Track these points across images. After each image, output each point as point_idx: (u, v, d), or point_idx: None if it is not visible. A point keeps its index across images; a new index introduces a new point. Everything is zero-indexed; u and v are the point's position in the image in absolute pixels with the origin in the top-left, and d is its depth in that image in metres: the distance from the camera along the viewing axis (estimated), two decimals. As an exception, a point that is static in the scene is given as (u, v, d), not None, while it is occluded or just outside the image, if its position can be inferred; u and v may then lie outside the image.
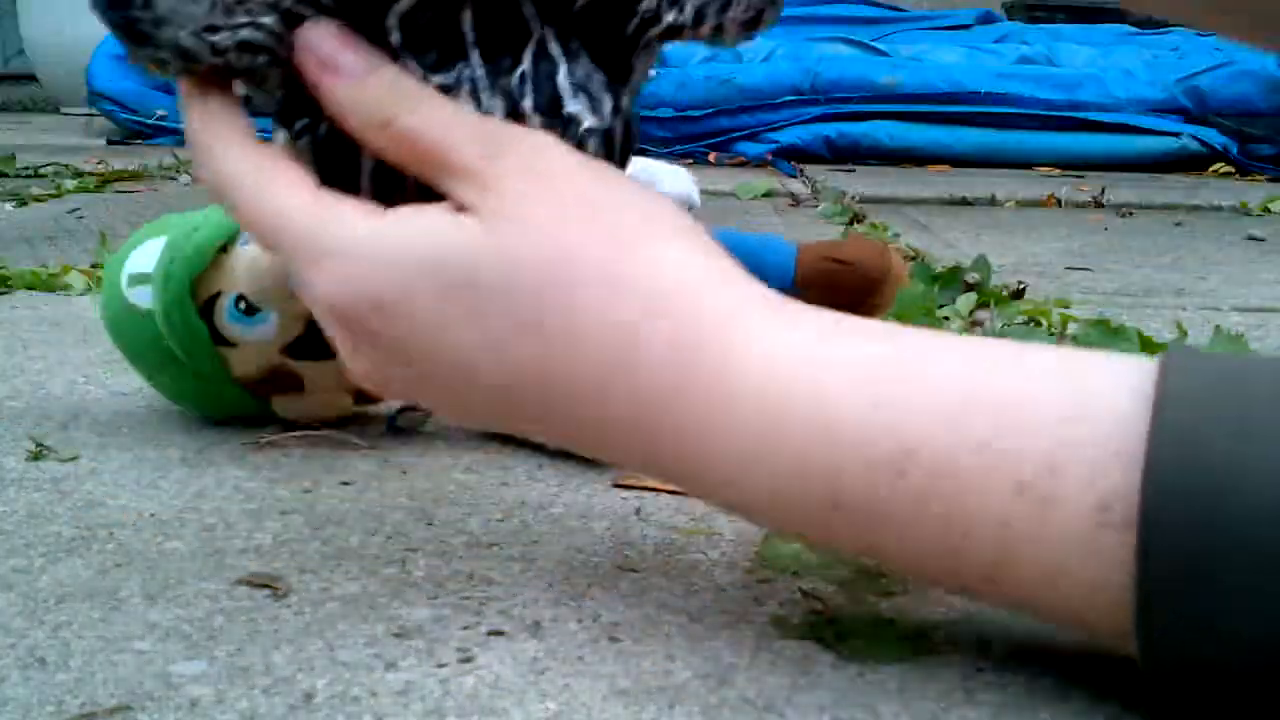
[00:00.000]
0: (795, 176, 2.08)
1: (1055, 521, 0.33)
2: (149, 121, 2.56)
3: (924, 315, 0.77)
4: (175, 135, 2.52)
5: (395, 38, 0.43)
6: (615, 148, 0.45)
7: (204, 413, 0.65)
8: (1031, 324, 0.87)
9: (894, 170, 2.25)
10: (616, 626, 0.42)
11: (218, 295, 0.60)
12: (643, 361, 0.37)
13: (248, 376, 0.62)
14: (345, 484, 0.56)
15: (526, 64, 0.44)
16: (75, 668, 0.38)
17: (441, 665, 0.39)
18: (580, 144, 0.44)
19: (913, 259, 1.20)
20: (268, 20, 0.42)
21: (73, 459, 0.58)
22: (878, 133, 2.33)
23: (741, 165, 2.25)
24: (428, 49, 0.43)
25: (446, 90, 0.43)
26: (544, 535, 0.50)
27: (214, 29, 0.42)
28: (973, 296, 0.92)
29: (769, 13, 0.46)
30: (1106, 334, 0.73)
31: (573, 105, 0.44)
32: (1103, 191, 1.83)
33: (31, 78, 3.77)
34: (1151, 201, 1.81)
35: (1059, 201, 1.82)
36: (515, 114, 0.43)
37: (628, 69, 0.46)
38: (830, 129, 2.33)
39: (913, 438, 0.35)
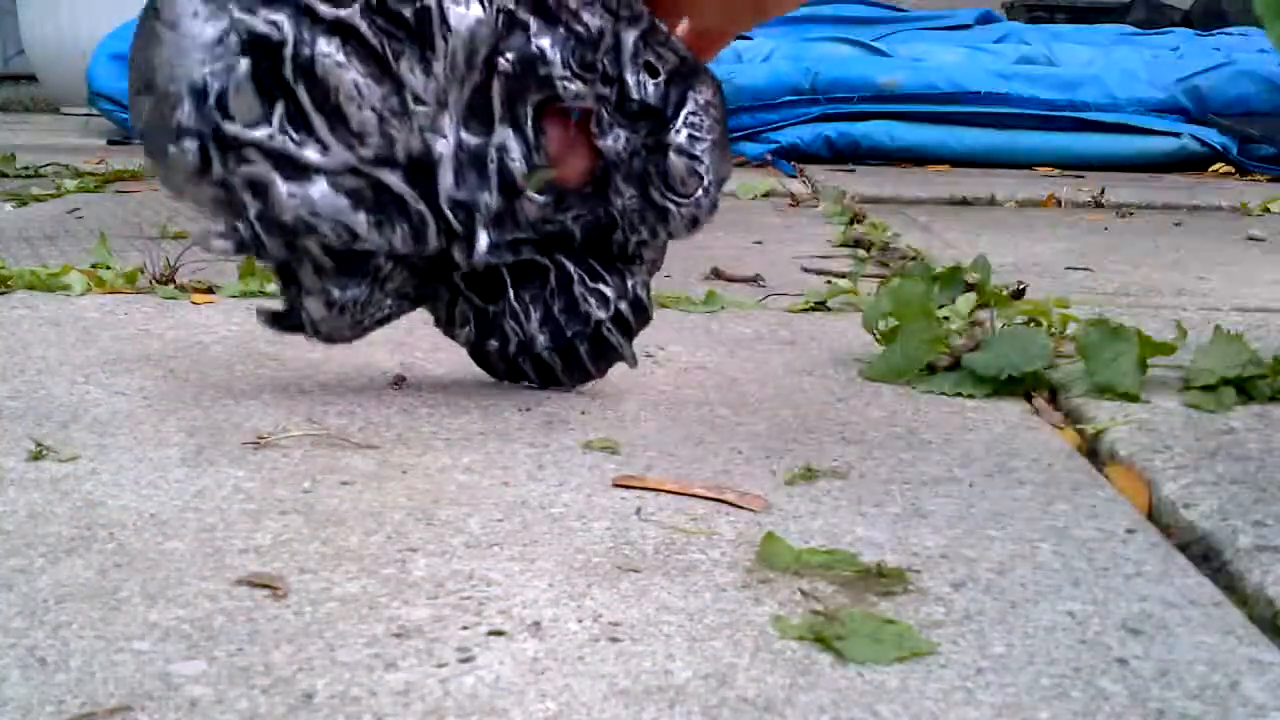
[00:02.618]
0: (795, 176, 2.08)
1: None
2: (149, 121, 2.56)
3: (923, 315, 0.77)
4: (175, 135, 2.52)
5: (460, 284, 0.67)
6: (628, 321, 0.67)
7: None
8: (1031, 324, 0.87)
9: (894, 170, 2.25)
10: (616, 626, 0.42)
11: None
12: None
13: None
14: (345, 484, 0.56)
15: (553, 281, 0.67)
16: (75, 668, 0.38)
17: (441, 665, 0.39)
18: (597, 330, 0.67)
19: (912, 259, 1.20)
20: (389, 301, 0.67)
21: (73, 459, 0.58)
22: (878, 133, 2.33)
23: (741, 165, 2.25)
24: (482, 289, 0.67)
25: (499, 314, 0.67)
26: (544, 535, 0.50)
27: (360, 323, 0.66)
28: (973, 296, 0.92)
29: (704, 218, 0.66)
30: (1106, 334, 0.73)
31: (585, 306, 0.67)
32: (1103, 191, 1.83)
33: (31, 78, 3.77)
34: (1151, 201, 1.81)
35: (1059, 201, 1.81)
36: (550, 317, 0.67)
37: (634, 259, 0.67)
38: (830, 129, 2.33)
39: None
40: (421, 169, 0.62)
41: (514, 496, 0.55)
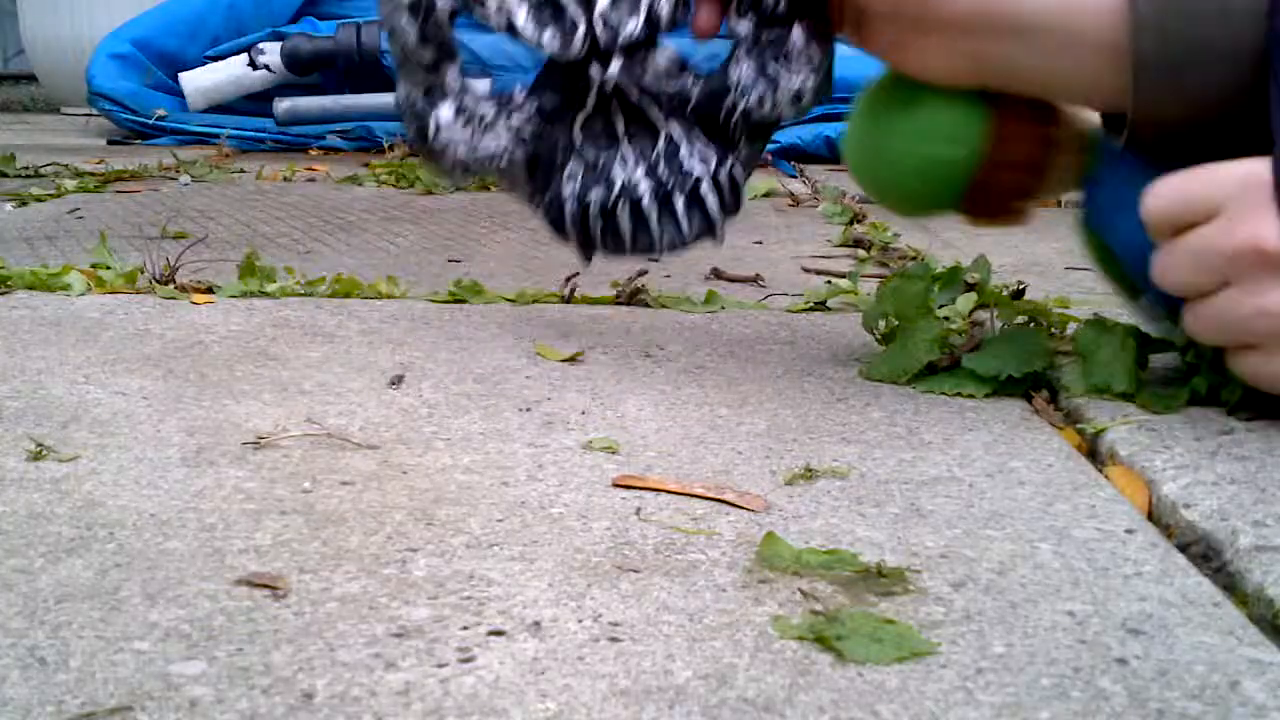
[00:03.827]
0: (795, 176, 2.08)
1: None
2: (149, 121, 2.56)
3: (923, 315, 0.77)
4: (175, 135, 2.52)
5: (578, 138, 0.77)
6: (723, 190, 0.77)
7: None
8: (1031, 324, 0.87)
9: (894, 170, 2.24)
10: (616, 626, 0.42)
11: None
12: None
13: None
14: (345, 484, 0.56)
15: (661, 146, 0.76)
16: (75, 668, 0.39)
17: (441, 665, 0.39)
18: (695, 188, 0.77)
19: (912, 259, 1.20)
20: (505, 139, 0.77)
21: (73, 459, 0.58)
22: (878, 133, 2.33)
23: (741, 165, 2.25)
24: (596, 142, 0.77)
25: (608, 164, 0.77)
26: (544, 535, 0.50)
27: (475, 147, 0.76)
28: (972, 296, 0.92)
29: (807, 96, 0.76)
30: (1106, 333, 0.73)
31: (689, 165, 0.76)
32: (1103, 191, 1.83)
33: (31, 78, 3.77)
34: (1151, 201, 1.81)
35: (1059, 201, 1.81)
36: (653, 173, 0.76)
37: (734, 143, 0.77)
38: (830, 129, 2.33)
39: None
40: None
41: (514, 497, 0.55)
